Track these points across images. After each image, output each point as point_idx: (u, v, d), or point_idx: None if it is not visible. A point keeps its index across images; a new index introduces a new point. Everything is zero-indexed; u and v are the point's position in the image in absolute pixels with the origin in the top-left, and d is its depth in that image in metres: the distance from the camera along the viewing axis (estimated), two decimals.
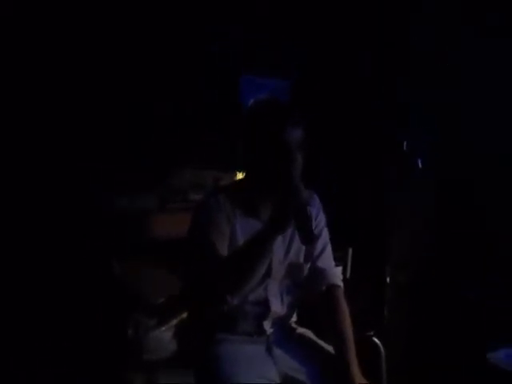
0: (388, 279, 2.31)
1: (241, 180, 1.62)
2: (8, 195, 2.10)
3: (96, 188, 2.17)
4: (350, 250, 2.24)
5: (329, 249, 1.61)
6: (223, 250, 1.41)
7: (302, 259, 1.55)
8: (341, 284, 1.59)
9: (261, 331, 1.54)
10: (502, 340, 1.88)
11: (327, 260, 1.59)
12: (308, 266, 1.56)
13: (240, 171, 2.31)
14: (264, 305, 1.51)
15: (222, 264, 1.38)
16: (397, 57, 2.44)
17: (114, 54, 2.31)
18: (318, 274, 1.56)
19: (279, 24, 2.49)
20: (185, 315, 2.00)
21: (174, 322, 2.14)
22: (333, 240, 1.65)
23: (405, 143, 2.26)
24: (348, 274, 2.25)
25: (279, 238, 1.43)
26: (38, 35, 2.18)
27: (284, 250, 1.52)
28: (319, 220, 1.59)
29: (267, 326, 1.54)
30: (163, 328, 2.14)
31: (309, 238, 1.32)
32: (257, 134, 1.42)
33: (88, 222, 2.15)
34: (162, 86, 2.35)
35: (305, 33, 2.51)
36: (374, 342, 2.01)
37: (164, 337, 2.12)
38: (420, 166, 2.25)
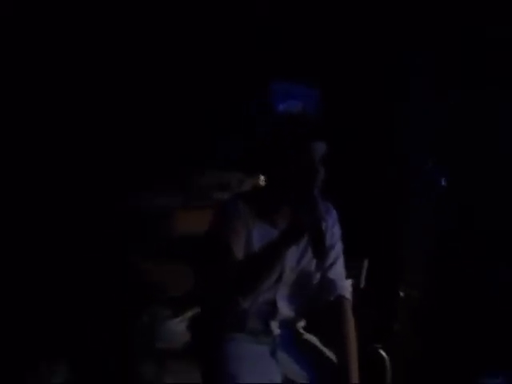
0: (401, 294, 2.33)
1: (261, 187, 1.67)
2: (30, 185, 2.19)
3: (122, 184, 2.26)
4: (366, 262, 2.26)
5: (341, 261, 1.64)
6: (239, 254, 1.48)
7: (313, 268, 1.60)
8: (349, 296, 1.63)
9: (268, 331, 1.59)
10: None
11: (338, 271, 1.63)
12: (319, 274, 1.61)
13: (263, 175, 2.37)
14: (272, 305, 1.57)
15: (236, 269, 1.45)
16: None
17: (126, 49, 2.35)
18: (327, 284, 1.61)
19: (311, 35, 2.53)
20: (199, 309, 2.08)
21: (189, 314, 2.22)
22: (349, 250, 1.69)
23: (430, 161, 2.28)
24: (362, 285, 2.28)
25: (293, 246, 1.48)
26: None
27: (297, 258, 1.57)
28: (334, 232, 1.63)
29: (274, 326, 1.60)
30: (178, 319, 2.23)
31: (321, 254, 1.38)
32: (281, 146, 1.47)
33: (111, 217, 2.25)
34: (192, 86, 2.41)
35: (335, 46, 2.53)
36: (381, 354, 2.04)
37: (178, 328, 2.20)
38: (444, 184, 2.26)
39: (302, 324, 1.70)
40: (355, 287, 1.78)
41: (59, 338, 2.14)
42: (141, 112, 2.38)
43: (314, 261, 1.58)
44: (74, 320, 2.17)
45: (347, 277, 1.69)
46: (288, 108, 2.46)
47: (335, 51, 2.53)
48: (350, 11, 2.49)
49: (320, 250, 1.38)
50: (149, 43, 2.40)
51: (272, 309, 1.57)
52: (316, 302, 1.62)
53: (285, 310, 1.59)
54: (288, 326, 1.64)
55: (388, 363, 2.04)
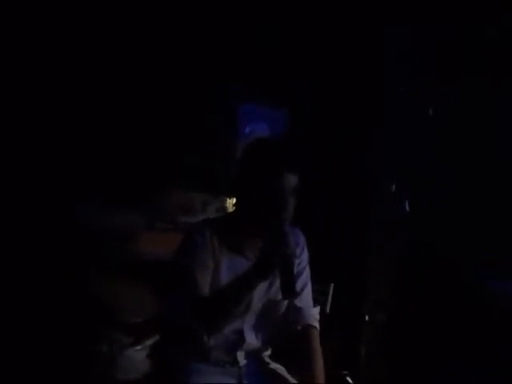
0: (367, 317, 2.32)
1: (230, 215, 1.63)
2: None
3: (83, 202, 2.18)
4: (332, 286, 2.25)
5: (308, 288, 1.62)
6: (205, 288, 1.43)
7: (281, 296, 1.56)
8: (317, 325, 1.60)
9: (234, 361, 1.54)
10: None
11: (306, 299, 1.60)
12: (286, 303, 1.57)
13: (229, 197, 2.34)
14: (239, 335, 1.52)
15: (202, 305, 1.39)
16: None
17: (114, 69, 2.34)
18: (294, 312, 1.57)
19: (280, 54, 2.54)
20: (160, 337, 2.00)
21: (150, 341, 2.14)
22: (315, 275, 1.66)
23: (393, 185, 2.30)
24: (328, 309, 2.27)
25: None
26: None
27: (265, 288, 1.53)
28: (302, 258, 1.60)
29: (240, 356, 1.55)
30: (138, 347, 2.13)
31: (290, 293, 1.34)
32: (254, 177, 1.43)
33: (71, 236, 2.16)
34: (157, 107, 2.38)
35: (304, 65, 2.54)
36: (348, 381, 2.02)
37: (137, 356, 2.11)
38: (407, 208, 2.29)
39: (268, 353, 1.66)
40: (321, 312, 1.76)
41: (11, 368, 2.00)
42: (105, 130, 2.32)
43: None
44: (21, 351, 2.04)
45: (314, 303, 1.66)
46: (255, 130, 2.45)
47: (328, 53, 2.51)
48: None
49: (289, 291, 1.34)
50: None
51: (239, 339, 1.53)
52: (283, 330, 1.59)
53: (251, 339, 1.55)
54: (254, 355, 1.59)
55: None
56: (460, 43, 2.37)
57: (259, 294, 1.51)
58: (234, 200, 1.56)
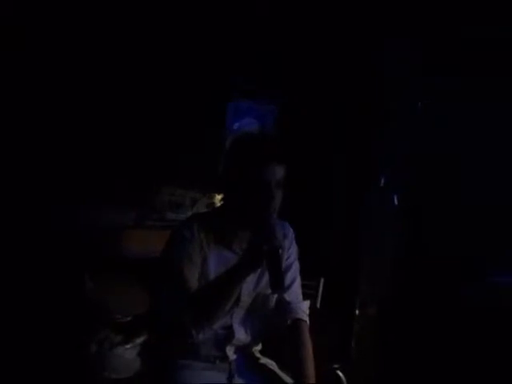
0: (357, 312, 2.33)
1: (217, 209, 1.63)
2: None
3: (70, 200, 2.17)
4: (322, 280, 2.26)
5: (297, 282, 1.62)
6: (193, 282, 1.43)
7: (270, 291, 1.56)
8: (306, 319, 1.60)
9: (223, 357, 1.54)
10: None
11: (295, 293, 1.60)
12: (275, 297, 1.57)
13: (218, 194, 2.34)
14: (228, 330, 1.52)
15: (190, 299, 1.40)
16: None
17: (105, 72, 2.33)
18: (284, 306, 1.57)
19: (269, 48, 2.53)
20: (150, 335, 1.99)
21: (140, 340, 2.13)
22: (305, 269, 1.66)
23: (382, 179, 2.31)
24: (318, 304, 2.27)
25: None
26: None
27: (255, 282, 1.53)
28: (291, 252, 1.60)
29: (230, 351, 1.55)
30: (128, 346, 2.12)
31: (278, 287, 1.35)
32: (238, 170, 1.43)
33: (60, 235, 2.14)
34: (144, 104, 2.37)
35: (292, 58, 2.54)
36: (339, 375, 2.02)
37: (128, 355, 2.10)
38: (396, 202, 2.30)
39: (258, 348, 1.65)
40: (312, 307, 1.76)
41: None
42: (95, 130, 2.31)
43: None
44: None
45: (304, 297, 1.66)
46: (243, 126, 2.44)
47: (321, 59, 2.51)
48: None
49: (277, 284, 1.35)
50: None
51: (228, 333, 1.53)
52: (273, 325, 1.59)
53: (241, 334, 1.55)
54: (244, 350, 1.59)
55: None
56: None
57: (248, 289, 1.52)
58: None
